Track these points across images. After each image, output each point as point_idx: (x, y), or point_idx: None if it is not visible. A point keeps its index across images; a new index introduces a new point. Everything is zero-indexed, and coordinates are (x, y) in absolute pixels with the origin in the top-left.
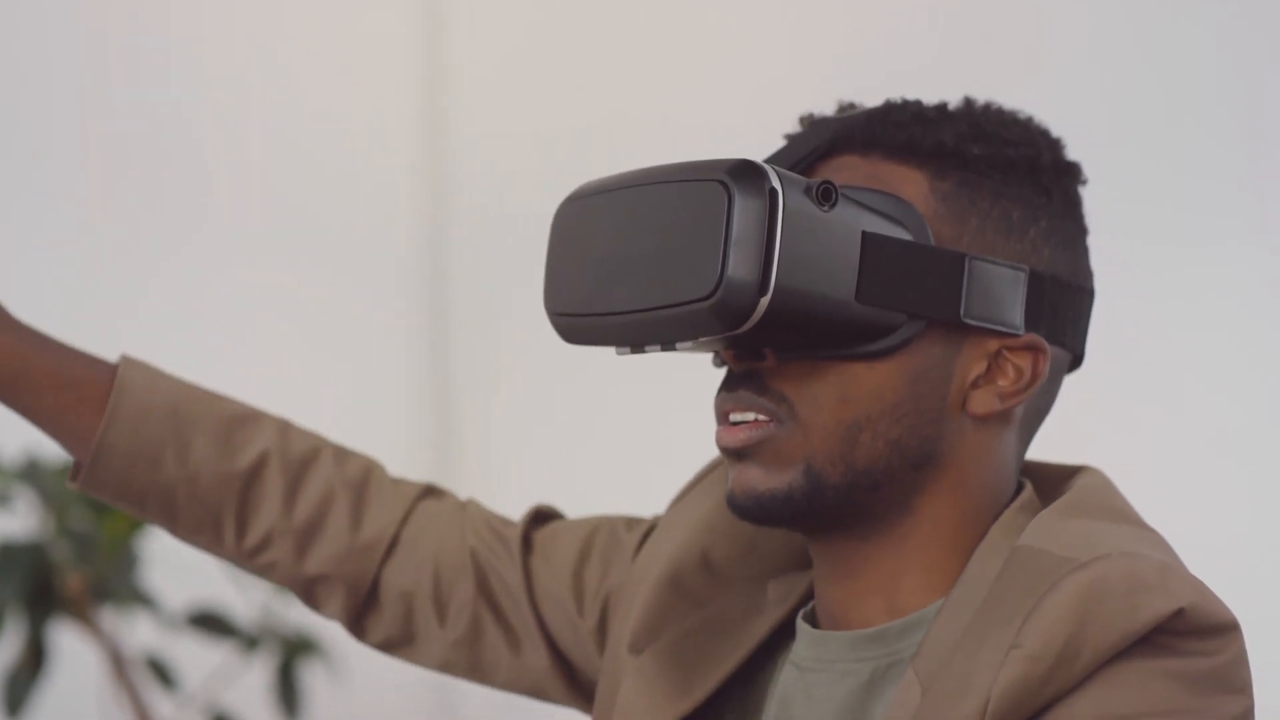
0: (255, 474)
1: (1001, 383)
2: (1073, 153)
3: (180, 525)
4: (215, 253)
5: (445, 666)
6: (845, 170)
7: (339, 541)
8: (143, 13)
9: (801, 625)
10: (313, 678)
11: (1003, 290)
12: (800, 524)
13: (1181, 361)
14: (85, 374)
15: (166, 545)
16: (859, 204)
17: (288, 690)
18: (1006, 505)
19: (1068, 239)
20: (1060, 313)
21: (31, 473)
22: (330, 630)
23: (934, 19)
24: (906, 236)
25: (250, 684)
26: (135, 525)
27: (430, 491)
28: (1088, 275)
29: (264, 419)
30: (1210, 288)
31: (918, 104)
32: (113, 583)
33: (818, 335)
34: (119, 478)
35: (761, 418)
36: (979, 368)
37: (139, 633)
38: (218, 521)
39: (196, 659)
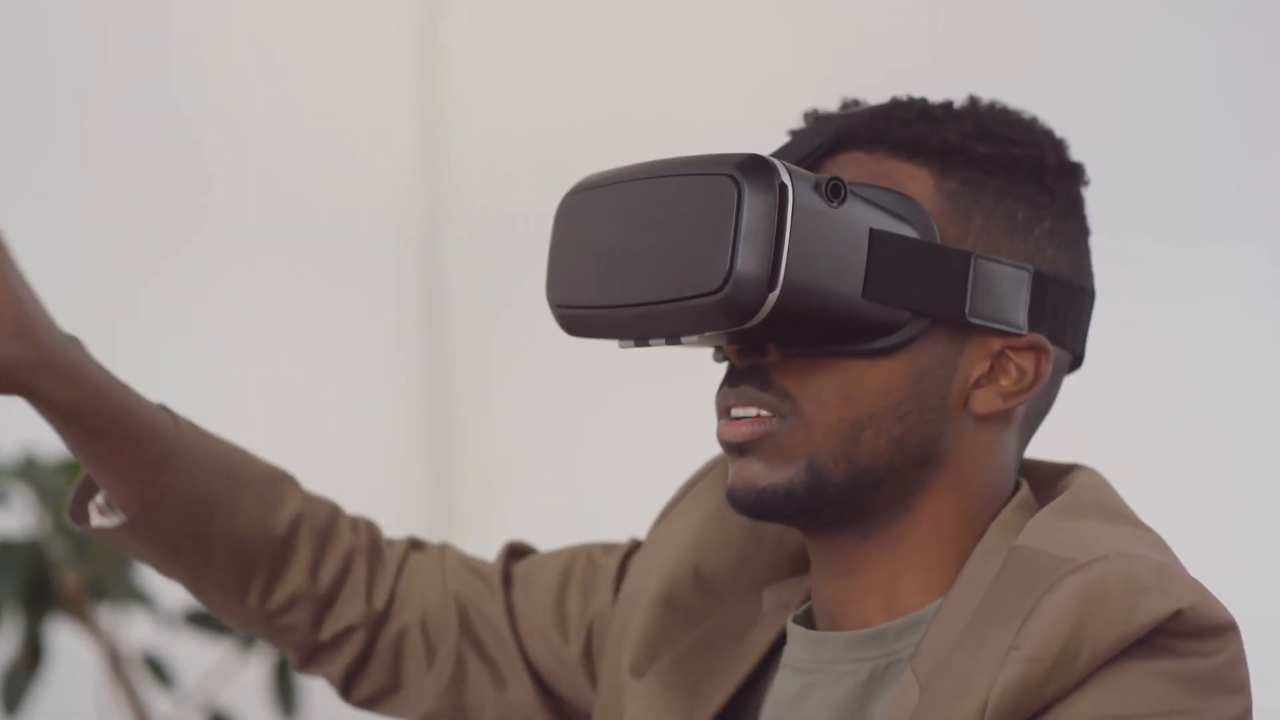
0: (290, 537)
1: (1004, 382)
2: (1073, 153)
3: (205, 581)
4: (213, 252)
5: (431, 715)
6: (851, 167)
7: (355, 610)
8: (142, 13)
9: (794, 628)
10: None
11: (1007, 289)
12: (800, 520)
13: (1181, 361)
14: (144, 421)
15: None
16: (866, 201)
17: (285, 688)
18: (1005, 504)
19: (1070, 239)
20: (1062, 313)
21: (28, 470)
22: None
23: (934, 19)
24: (913, 234)
25: (247, 682)
26: None
27: (414, 544)
28: (1089, 276)
29: (290, 479)
30: (1210, 288)
31: (923, 102)
32: (110, 581)
33: (823, 331)
34: (165, 529)
35: (764, 413)
36: (982, 367)
37: (136, 630)
38: (246, 581)
39: (194, 657)
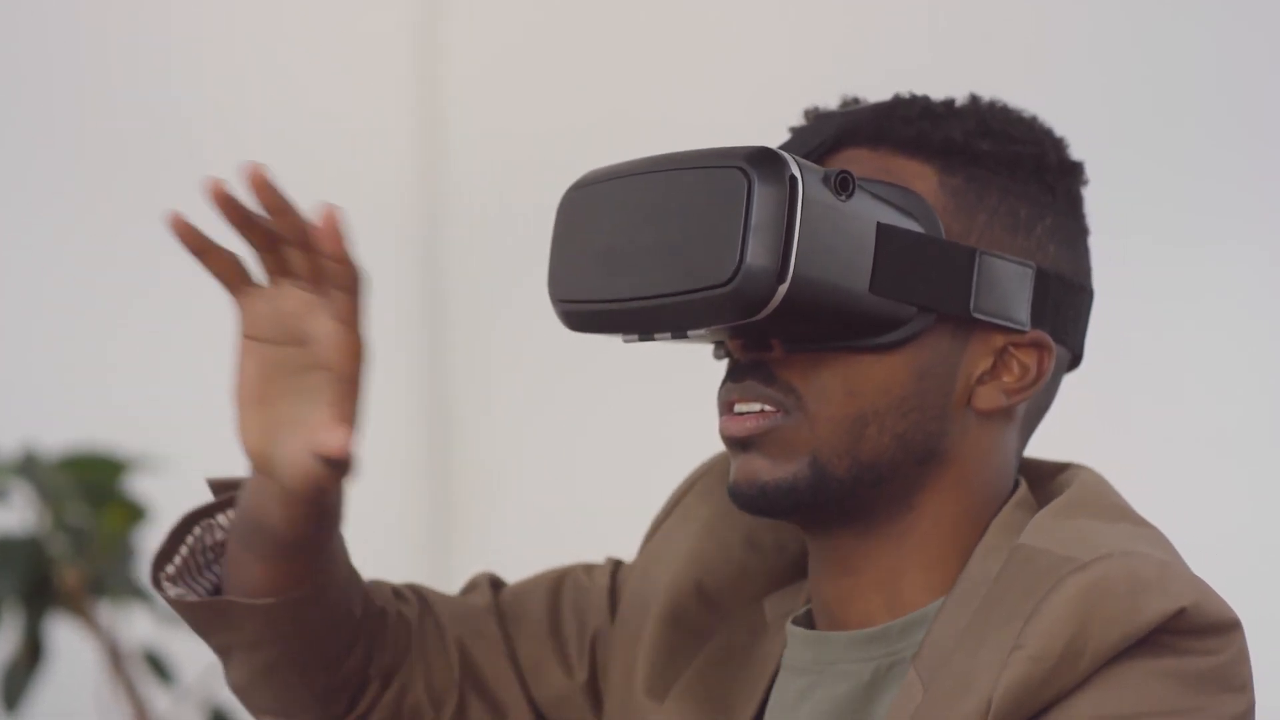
0: (364, 617)
1: (1006, 379)
2: (1072, 151)
3: (292, 664)
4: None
5: None
6: (855, 163)
7: (380, 674)
8: (142, 13)
9: (793, 629)
10: None
11: (1010, 286)
12: (802, 516)
13: (1180, 361)
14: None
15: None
16: (873, 195)
17: None
18: (1005, 502)
19: (1071, 238)
20: (1063, 311)
21: (28, 467)
22: None
23: (934, 19)
24: (918, 229)
25: None
26: (132, 519)
27: (399, 596)
28: (1088, 275)
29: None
30: (1209, 287)
31: (925, 99)
32: (110, 577)
33: (829, 326)
34: (309, 613)
35: (768, 408)
36: (985, 363)
37: (136, 627)
38: (328, 663)
39: (194, 653)
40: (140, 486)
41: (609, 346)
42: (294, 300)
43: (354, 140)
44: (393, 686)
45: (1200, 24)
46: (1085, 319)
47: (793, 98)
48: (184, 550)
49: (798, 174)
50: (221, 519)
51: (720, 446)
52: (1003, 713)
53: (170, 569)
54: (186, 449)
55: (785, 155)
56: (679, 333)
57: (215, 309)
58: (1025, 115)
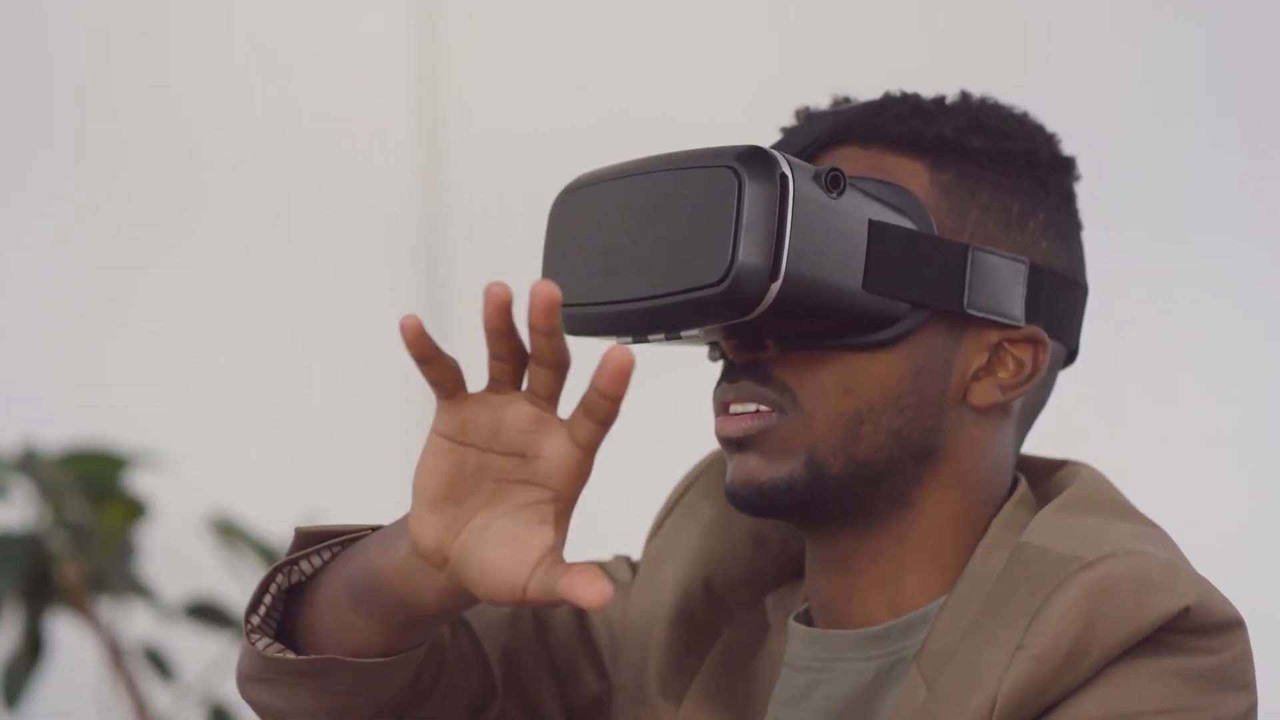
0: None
1: (1002, 375)
2: (1069, 149)
3: (374, 709)
4: (213, 251)
5: None
6: (847, 162)
7: (420, 693)
8: (142, 13)
9: (795, 626)
10: None
11: (1004, 282)
12: (800, 515)
13: (1177, 359)
14: None
15: (164, 536)
16: (864, 193)
17: None
18: (1005, 500)
19: (1064, 233)
20: (1058, 306)
21: (29, 463)
22: None
23: (932, 18)
24: (911, 226)
25: None
26: (132, 516)
27: None
28: (1082, 270)
29: None
30: (1206, 285)
31: (916, 97)
32: (110, 573)
33: (823, 323)
34: (407, 669)
35: (763, 408)
36: (980, 359)
37: (136, 623)
38: (405, 705)
39: (194, 650)
40: (140, 483)
41: (606, 346)
42: (524, 414)
43: (354, 140)
44: (432, 702)
45: (1197, 23)
46: (1080, 314)
47: (791, 97)
48: (268, 599)
49: (788, 172)
50: (304, 565)
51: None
52: (1008, 712)
53: (255, 619)
54: (186, 446)
55: (776, 154)
56: (673, 333)
57: (215, 309)
58: (1016, 111)
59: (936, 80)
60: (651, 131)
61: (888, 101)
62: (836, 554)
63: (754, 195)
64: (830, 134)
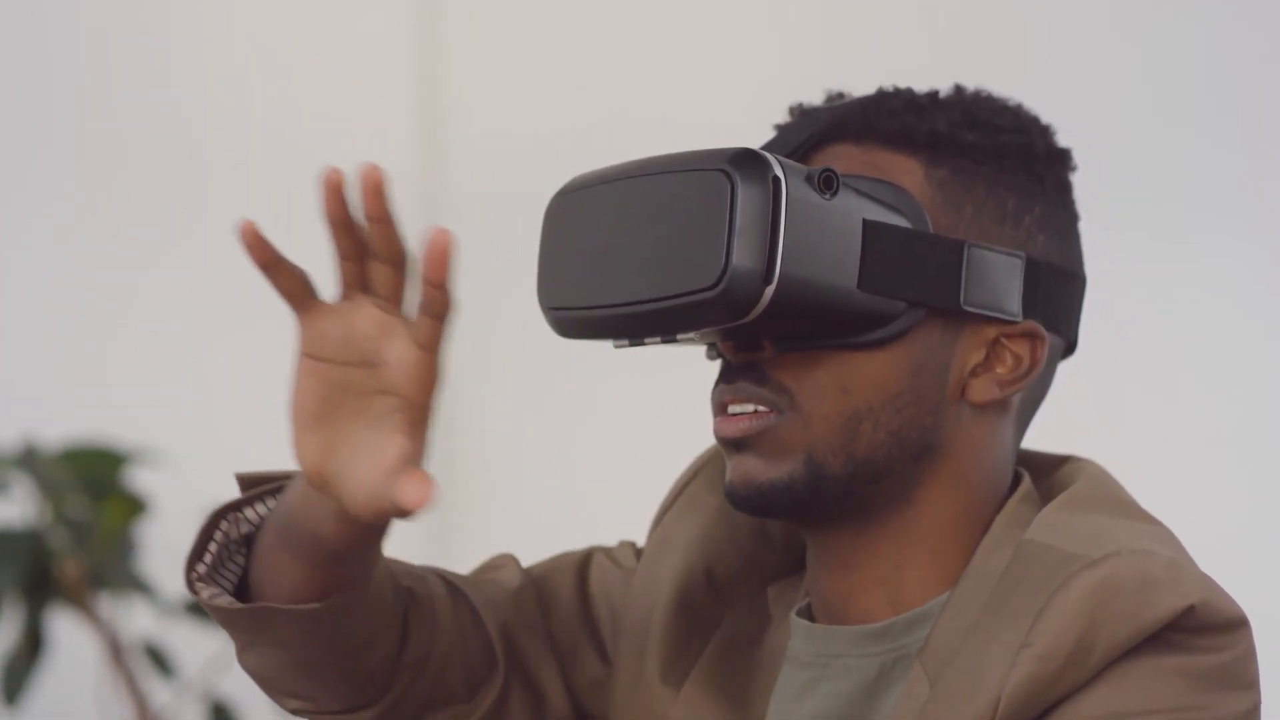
0: (396, 605)
1: (1000, 370)
2: (1060, 139)
3: (333, 657)
4: (212, 251)
5: None
6: (841, 159)
7: (409, 658)
8: (142, 13)
9: (798, 621)
10: None
11: (1000, 277)
12: (800, 515)
13: (1177, 358)
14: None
15: (163, 533)
16: (858, 192)
17: None
18: (1006, 496)
19: (1061, 226)
20: (1055, 299)
21: (29, 460)
22: None
23: (932, 18)
24: (905, 224)
25: None
26: (132, 513)
27: (423, 580)
28: (1080, 262)
29: None
30: (1206, 284)
31: (910, 92)
32: (110, 570)
33: (819, 324)
34: (352, 614)
35: (761, 409)
36: (977, 356)
37: (136, 620)
38: (364, 653)
39: (194, 646)
40: (140, 480)
41: (605, 346)
42: (369, 320)
43: (354, 140)
44: (427, 673)
45: (1197, 23)
46: (1078, 306)
47: (791, 98)
48: (213, 548)
49: (780, 174)
50: (249, 513)
51: None
52: (1011, 711)
53: (201, 568)
54: (185, 443)
55: (768, 156)
56: (668, 337)
57: (215, 309)
58: (1011, 104)
59: (936, 80)
60: (651, 131)
61: (881, 97)
62: (837, 551)
63: (746, 198)
64: (824, 131)
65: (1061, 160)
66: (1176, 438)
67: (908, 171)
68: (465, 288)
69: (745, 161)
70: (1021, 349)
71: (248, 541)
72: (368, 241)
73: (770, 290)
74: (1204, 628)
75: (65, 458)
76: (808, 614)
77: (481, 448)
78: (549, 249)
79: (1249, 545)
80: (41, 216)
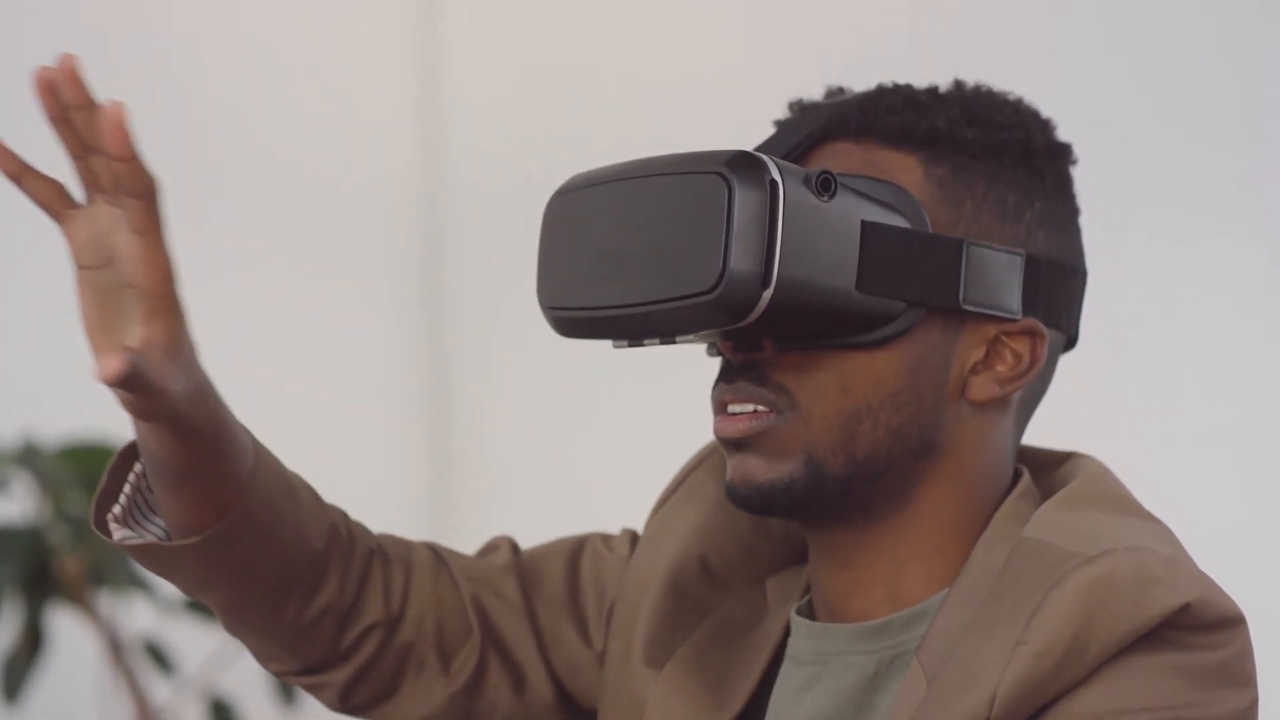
0: (327, 548)
1: (1000, 368)
2: (1060, 133)
3: (249, 599)
4: (212, 252)
5: (431, 719)
6: (839, 157)
7: (374, 612)
8: (143, 12)
9: (797, 619)
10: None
11: (1000, 275)
12: (800, 514)
13: (1177, 357)
14: (240, 433)
15: None
16: (856, 192)
17: None
18: (1006, 492)
19: (1061, 221)
20: (1056, 296)
21: (29, 456)
22: None
23: (932, 18)
24: (904, 224)
25: (247, 668)
26: None
27: (409, 544)
28: (1081, 256)
29: (313, 488)
30: (1206, 283)
31: (909, 88)
32: (110, 567)
33: (818, 325)
34: (239, 544)
35: (761, 409)
36: (977, 354)
37: (136, 617)
38: (287, 596)
39: (194, 643)
40: None
41: (605, 345)
42: (106, 217)
43: (355, 139)
44: (400, 635)
45: (1198, 22)
46: (1079, 301)
47: (789, 96)
48: (127, 489)
49: (778, 177)
50: None
51: None
52: (1007, 708)
53: (116, 509)
54: None
55: (765, 159)
56: (667, 338)
57: (215, 309)
58: (1010, 99)
59: (936, 79)
60: (651, 130)
61: (881, 94)
62: (836, 549)
63: (744, 202)
64: (823, 129)
65: (1062, 155)
66: (1176, 437)
67: (907, 169)
68: (465, 288)
69: (742, 165)
70: (1021, 346)
71: None
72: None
73: (768, 293)
74: (1201, 625)
75: (65, 454)
76: (809, 611)
77: (481, 448)
78: (548, 248)
79: (1249, 545)
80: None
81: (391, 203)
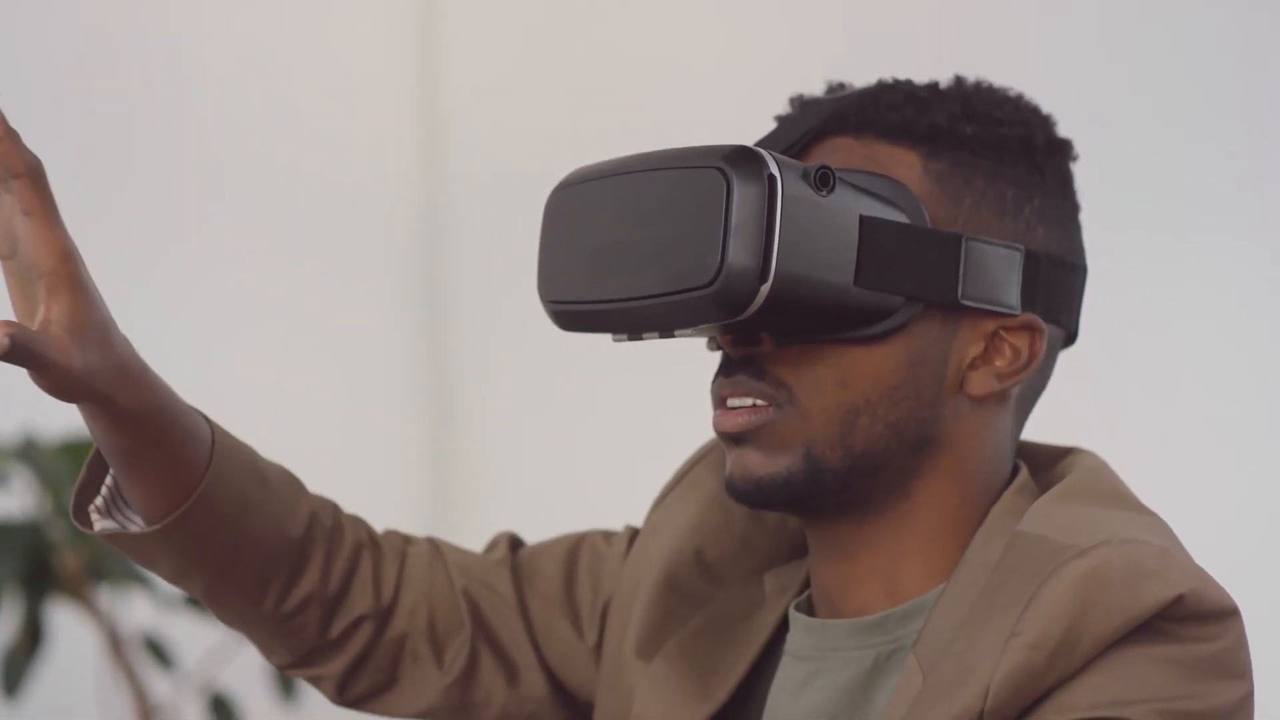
0: (306, 536)
1: (999, 363)
2: (1068, 138)
3: (224, 586)
4: (213, 252)
5: (430, 711)
6: (839, 152)
7: (363, 604)
8: (143, 12)
9: (795, 615)
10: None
11: (999, 270)
12: (799, 508)
13: (1177, 354)
14: (190, 422)
15: None
16: (855, 187)
17: None
18: (1004, 487)
19: (1061, 217)
20: (1055, 291)
21: (28, 451)
22: None
23: (932, 16)
24: (903, 219)
25: (247, 663)
26: None
27: (406, 538)
28: (1080, 252)
29: (297, 477)
30: (1207, 284)
31: (909, 84)
32: (109, 562)
33: (817, 320)
34: (200, 532)
35: (760, 403)
36: (976, 349)
37: (136, 612)
38: (266, 584)
39: (193, 638)
40: None
41: (606, 343)
42: (5, 205)
43: (355, 138)
44: (393, 626)
45: (1198, 22)
46: (1079, 297)
47: (788, 92)
48: (109, 480)
49: (776, 172)
50: None
51: None
52: (1001, 700)
53: (99, 501)
54: None
55: (763, 153)
56: (665, 332)
57: (215, 309)
58: (1011, 94)
59: (936, 77)
60: (651, 128)
61: (881, 90)
62: (835, 542)
63: (742, 196)
64: (823, 124)
65: (1062, 151)
66: (1177, 436)
67: (906, 164)
68: (465, 288)
69: (741, 159)
70: (1020, 341)
71: None
72: None
73: (766, 288)
74: (1194, 617)
75: (64, 450)
76: (808, 607)
77: (481, 448)
78: (548, 242)
79: (1249, 544)
80: None
81: (391, 202)
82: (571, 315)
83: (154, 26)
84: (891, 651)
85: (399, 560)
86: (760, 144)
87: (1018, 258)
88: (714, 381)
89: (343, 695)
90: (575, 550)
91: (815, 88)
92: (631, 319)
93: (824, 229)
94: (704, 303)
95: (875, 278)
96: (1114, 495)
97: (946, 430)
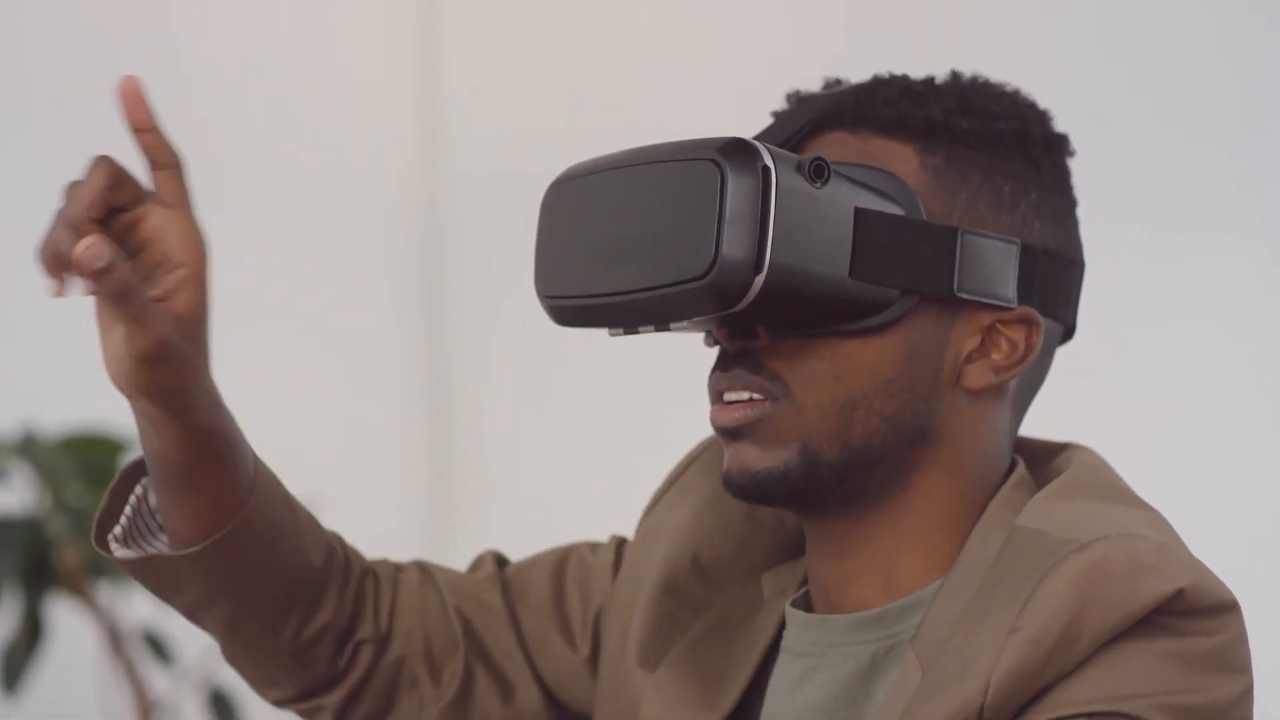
0: (325, 566)
1: (995, 356)
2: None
3: (249, 616)
4: (214, 242)
5: None
6: (835, 147)
7: (366, 630)
8: (143, 12)
9: (793, 612)
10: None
11: (995, 264)
12: (796, 502)
13: (1176, 353)
14: (243, 443)
15: None
16: (851, 180)
17: None
18: (1001, 482)
19: (1058, 211)
20: (1052, 285)
21: (28, 447)
22: None
23: (932, 15)
24: (899, 212)
25: None
26: None
27: (397, 566)
28: (1077, 247)
29: (309, 511)
30: (1207, 283)
31: (905, 79)
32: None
33: (812, 313)
34: (236, 557)
35: (757, 396)
36: (973, 342)
37: (135, 608)
38: (287, 614)
39: (193, 634)
40: None
41: (607, 342)
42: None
43: (355, 138)
44: (390, 652)
45: (1198, 21)
46: (1076, 291)
47: (786, 89)
48: (128, 510)
49: (770, 164)
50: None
51: None
52: (1001, 695)
53: (117, 530)
54: None
55: (758, 145)
56: (661, 325)
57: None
58: (1008, 89)
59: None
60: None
61: (876, 84)
62: (832, 537)
63: (736, 188)
64: (819, 119)
65: (1058, 145)
66: (1176, 435)
67: (902, 159)
68: (465, 288)
69: (735, 151)
70: (1017, 335)
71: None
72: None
73: (760, 279)
74: (1194, 611)
75: (64, 445)
76: (805, 604)
77: (481, 448)
78: (546, 238)
79: (1249, 544)
80: (44, 206)
81: (391, 202)
82: (568, 310)
83: (154, 26)
84: (890, 647)
85: (392, 586)
86: (756, 138)
87: (1014, 251)
88: (710, 376)
89: None
90: (562, 563)
91: (814, 87)
92: (627, 312)
93: (818, 221)
94: (699, 294)
95: (870, 270)
96: (1112, 490)
97: (943, 424)
